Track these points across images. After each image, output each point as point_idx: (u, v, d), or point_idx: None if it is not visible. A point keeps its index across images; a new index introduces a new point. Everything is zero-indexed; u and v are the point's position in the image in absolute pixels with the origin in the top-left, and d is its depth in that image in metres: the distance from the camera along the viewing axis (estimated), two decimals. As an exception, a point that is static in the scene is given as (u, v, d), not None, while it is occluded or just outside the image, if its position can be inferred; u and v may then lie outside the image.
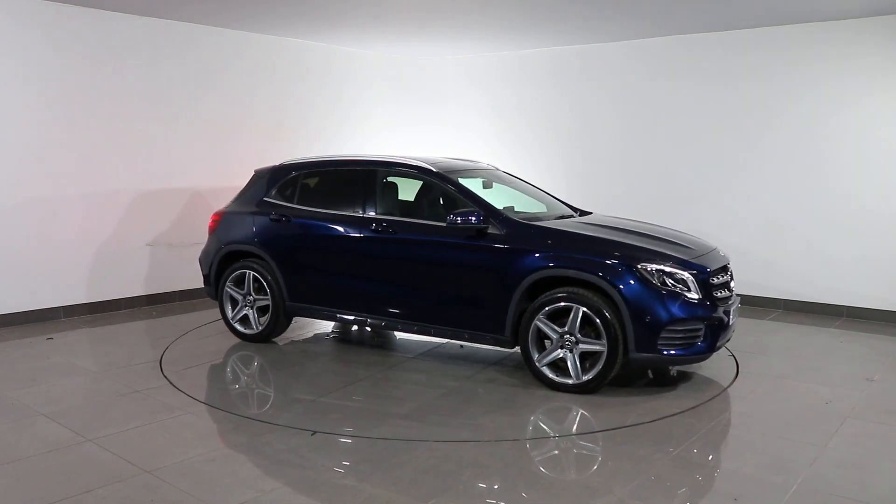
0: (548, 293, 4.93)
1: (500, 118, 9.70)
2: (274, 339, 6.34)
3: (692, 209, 8.13)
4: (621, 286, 4.72)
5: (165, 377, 5.31)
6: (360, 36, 8.47)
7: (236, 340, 6.32)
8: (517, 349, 5.20)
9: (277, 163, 6.48)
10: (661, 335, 4.70)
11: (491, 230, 5.18)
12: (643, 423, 4.43)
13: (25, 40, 6.63)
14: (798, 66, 7.40)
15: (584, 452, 4.10)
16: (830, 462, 3.91)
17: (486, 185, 6.06)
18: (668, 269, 4.80)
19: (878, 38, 6.93)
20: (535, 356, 4.99)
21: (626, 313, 4.70)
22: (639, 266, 4.76)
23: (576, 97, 9.00)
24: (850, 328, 6.93)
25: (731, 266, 5.44)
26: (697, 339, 4.81)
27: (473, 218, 5.14)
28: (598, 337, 4.78)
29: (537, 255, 5.00)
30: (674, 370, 5.42)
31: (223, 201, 8.15)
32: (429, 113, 10.34)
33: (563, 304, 4.86)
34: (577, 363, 4.86)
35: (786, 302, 7.70)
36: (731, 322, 5.04)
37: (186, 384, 5.14)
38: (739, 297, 5.48)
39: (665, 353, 4.73)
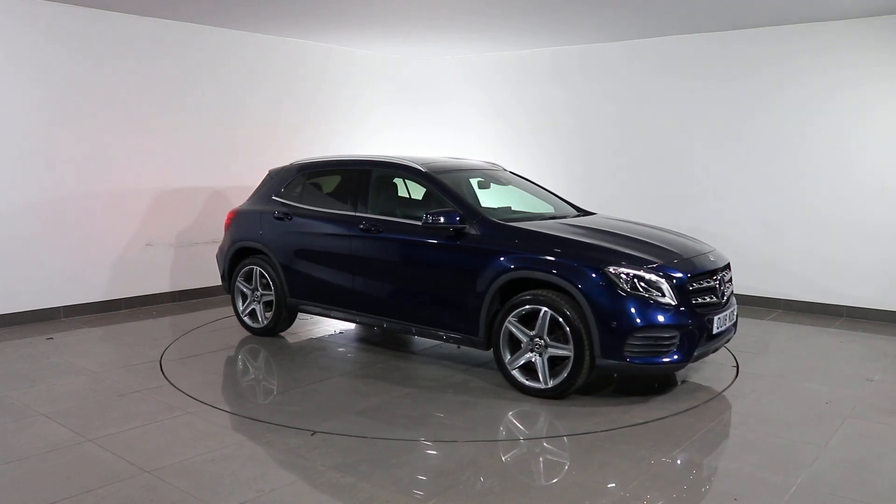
0: (518, 295, 4.85)
1: (500, 118, 9.70)
2: (282, 334, 6.50)
3: (692, 209, 8.14)
4: (587, 289, 4.56)
5: (165, 377, 5.31)
6: (360, 36, 8.47)
7: (235, 339, 6.37)
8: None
9: (288, 163, 6.67)
10: (629, 342, 4.50)
11: (469, 230, 5.11)
12: (643, 423, 4.42)
13: (25, 40, 6.63)
14: (798, 66, 7.40)
15: (584, 453, 4.08)
16: (830, 462, 3.91)
17: (483, 186, 6.08)
18: (638, 272, 4.58)
19: (879, 39, 6.93)
20: (507, 359, 4.92)
21: (591, 318, 4.54)
22: (606, 269, 4.58)
23: (576, 97, 9.00)
24: (850, 328, 6.93)
25: (727, 270, 5.17)
26: (670, 348, 4.56)
27: (448, 218, 5.09)
28: (567, 341, 4.64)
29: (509, 256, 4.90)
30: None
31: (222, 201, 8.18)
32: (429, 113, 10.34)
33: (531, 306, 4.74)
34: (546, 367, 4.75)
35: (786, 302, 7.70)
36: (717, 330, 4.80)
37: (186, 384, 5.14)
38: (735, 304, 5.18)
39: (632, 360, 4.53)
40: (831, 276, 7.39)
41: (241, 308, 6.53)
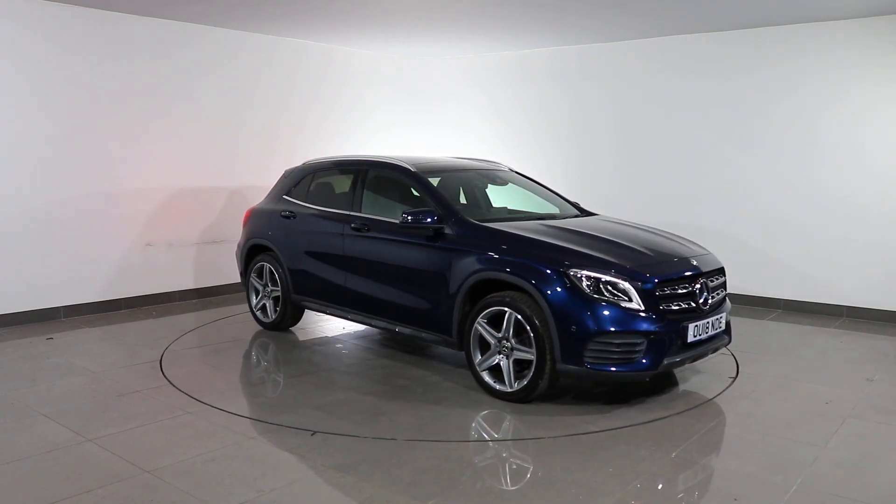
0: (487, 297, 4.77)
1: (500, 118, 9.70)
2: (291, 329, 6.68)
3: (692, 209, 8.14)
4: (548, 292, 4.44)
5: (165, 377, 5.31)
6: (360, 36, 8.47)
7: (236, 338, 6.39)
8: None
9: (301, 163, 6.86)
10: (589, 347, 4.35)
11: (447, 231, 5.07)
12: (643, 424, 4.42)
13: (25, 40, 6.63)
14: (798, 66, 7.40)
15: (584, 453, 4.08)
16: (830, 462, 3.91)
17: (481, 186, 6.07)
18: (602, 275, 4.43)
19: (879, 38, 6.93)
20: (477, 360, 4.85)
21: (551, 321, 4.42)
22: (569, 272, 4.45)
23: (576, 97, 9.00)
24: (850, 328, 6.93)
25: (715, 276, 4.97)
26: (635, 355, 4.39)
27: (424, 217, 5.05)
28: (532, 345, 4.54)
29: (479, 257, 4.84)
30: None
31: (222, 201, 8.19)
32: (429, 113, 10.34)
33: (498, 308, 4.67)
34: (511, 370, 4.68)
35: (786, 302, 7.70)
36: (695, 338, 4.60)
37: (186, 384, 5.14)
38: (726, 310, 4.99)
39: (591, 366, 4.38)
40: (831, 276, 7.39)
41: (254, 303, 6.73)
